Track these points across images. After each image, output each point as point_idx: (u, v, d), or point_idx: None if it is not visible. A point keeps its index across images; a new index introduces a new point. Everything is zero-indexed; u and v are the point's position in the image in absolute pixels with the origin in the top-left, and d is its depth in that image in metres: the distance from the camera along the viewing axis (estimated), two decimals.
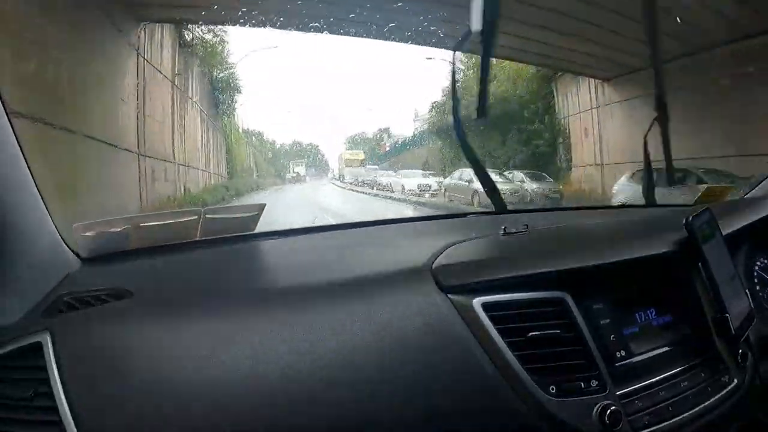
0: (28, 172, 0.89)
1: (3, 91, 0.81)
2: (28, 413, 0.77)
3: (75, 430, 0.73)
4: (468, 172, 12.30)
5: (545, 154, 11.60)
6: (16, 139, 0.85)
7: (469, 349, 0.80)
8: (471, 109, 1.36)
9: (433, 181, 15.13)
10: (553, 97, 11.29)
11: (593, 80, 9.77)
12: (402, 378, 0.77)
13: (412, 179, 15.85)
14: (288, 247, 1.29)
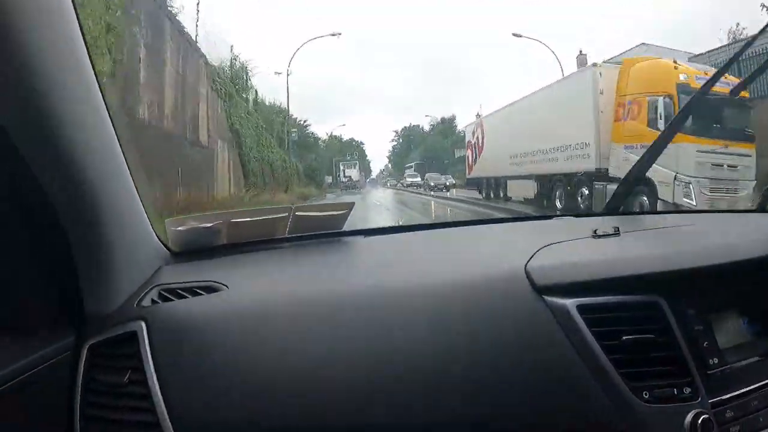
0: (126, 168, 0.91)
1: (106, 95, 0.83)
2: (122, 399, 0.80)
3: (167, 416, 0.76)
4: None
5: None
6: (117, 138, 0.87)
7: (562, 351, 0.80)
8: None
9: None
10: None
11: None
12: (494, 377, 0.77)
13: None
14: (377, 246, 1.25)
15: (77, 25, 0.74)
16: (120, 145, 0.89)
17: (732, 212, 1.69)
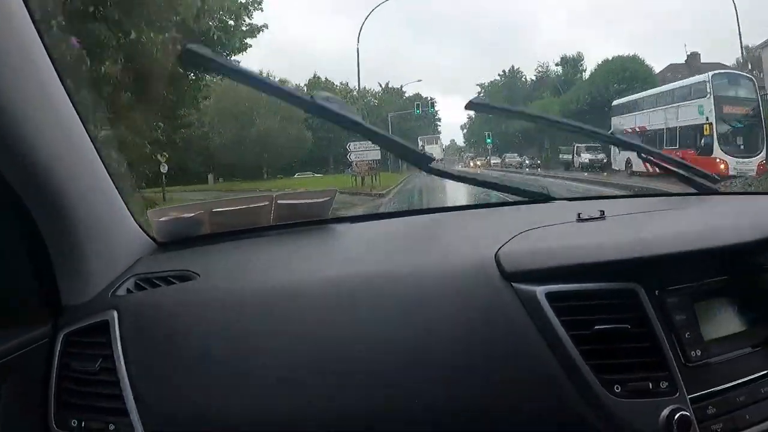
0: (100, 161, 0.92)
1: (72, 94, 0.84)
2: (92, 386, 0.82)
3: (134, 403, 0.77)
4: None
5: None
6: (86, 131, 0.88)
7: (530, 342, 0.76)
8: None
9: None
10: None
11: None
12: (458, 368, 0.75)
13: None
14: (356, 235, 1.24)
15: (30, 21, 0.73)
16: (91, 139, 0.89)
17: (725, 194, 1.60)
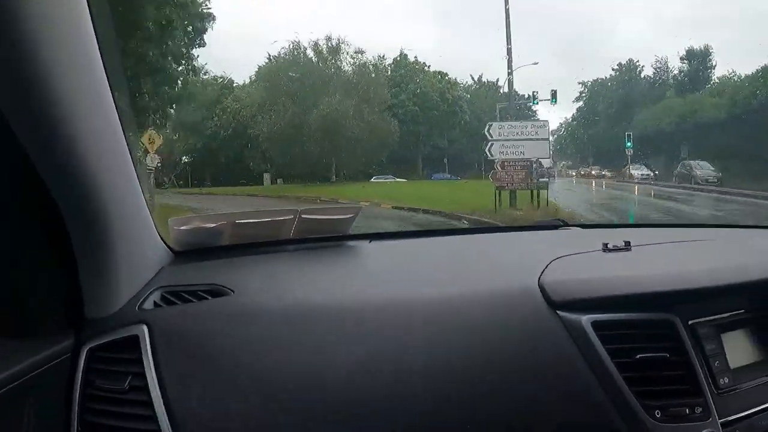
0: (132, 167, 0.89)
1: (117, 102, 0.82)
2: (122, 406, 0.77)
3: (169, 426, 0.74)
4: None
5: None
6: (126, 140, 0.85)
7: (576, 368, 0.79)
8: None
9: None
10: None
11: None
12: (504, 394, 0.77)
13: None
14: (382, 253, 1.24)
15: (90, 24, 0.71)
16: (127, 145, 0.86)
17: (743, 227, 1.66)
